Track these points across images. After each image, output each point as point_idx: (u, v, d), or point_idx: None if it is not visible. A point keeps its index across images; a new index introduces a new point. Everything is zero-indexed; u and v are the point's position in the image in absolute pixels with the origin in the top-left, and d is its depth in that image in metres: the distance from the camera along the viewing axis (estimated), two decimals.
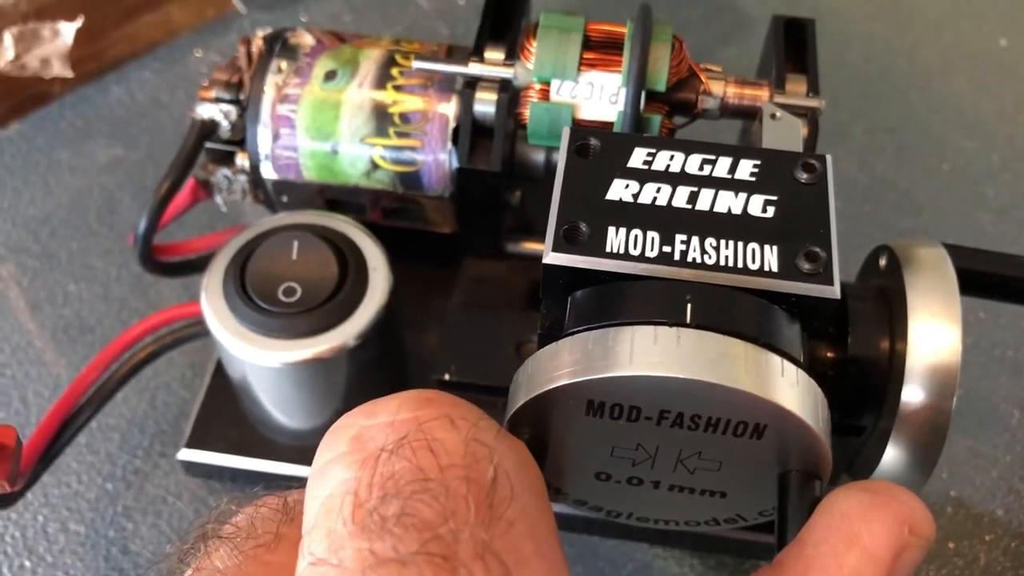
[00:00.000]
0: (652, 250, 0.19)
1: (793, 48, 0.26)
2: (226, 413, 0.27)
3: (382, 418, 0.16)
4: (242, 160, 0.28)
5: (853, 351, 0.23)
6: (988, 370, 0.31)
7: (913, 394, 0.22)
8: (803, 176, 0.20)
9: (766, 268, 0.19)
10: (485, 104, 0.25)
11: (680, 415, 0.18)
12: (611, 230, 0.19)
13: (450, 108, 0.26)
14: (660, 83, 0.24)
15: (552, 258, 0.19)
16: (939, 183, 0.36)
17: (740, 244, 0.19)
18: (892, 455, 0.23)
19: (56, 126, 0.37)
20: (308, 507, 0.15)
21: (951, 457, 0.29)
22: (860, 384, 0.23)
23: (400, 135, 0.26)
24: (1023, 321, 0.32)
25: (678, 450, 0.19)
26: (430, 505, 0.14)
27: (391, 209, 0.28)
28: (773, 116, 0.24)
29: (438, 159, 0.26)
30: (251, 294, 0.24)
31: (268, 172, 0.27)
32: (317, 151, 0.27)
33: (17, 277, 0.32)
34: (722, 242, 0.19)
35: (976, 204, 0.36)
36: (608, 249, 0.19)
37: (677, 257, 0.19)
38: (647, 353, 0.18)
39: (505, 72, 0.25)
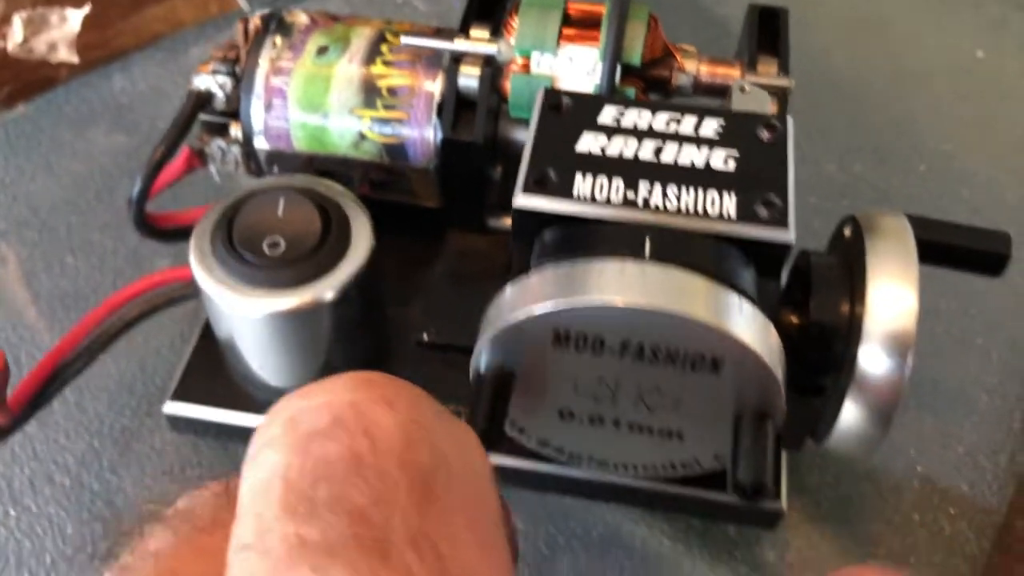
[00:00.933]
0: (617, 196, 0.20)
1: (766, 33, 0.28)
2: (212, 369, 0.28)
3: (318, 399, 0.15)
4: (236, 131, 0.29)
5: (815, 315, 0.24)
6: (958, 356, 0.32)
7: (869, 353, 0.23)
8: (765, 135, 0.21)
9: (725, 214, 0.20)
10: (469, 78, 0.27)
11: (641, 346, 0.19)
12: (578, 177, 0.20)
13: (436, 85, 0.27)
14: (635, 57, 0.25)
15: (521, 200, 0.20)
16: (916, 183, 0.37)
17: (701, 192, 0.20)
18: (849, 412, 0.23)
19: (60, 110, 0.38)
20: (241, 491, 0.15)
21: (919, 435, 0.30)
22: (822, 346, 0.24)
23: (387, 107, 0.27)
24: (992, 309, 0.33)
25: (638, 385, 0.20)
26: (362, 490, 0.14)
27: (379, 182, 0.29)
28: (742, 90, 0.25)
29: (423, 133, 0.27)
30: (237, 246, 0.25)
31: (260, 142, 0.28)
32: (308, 122, 0.28)
33: (16, 249, 0.33)
34: (684, 190, 0.20)
35: (951, 203, 0.37)
36: (575, 194, 0.20)
37: (640, 203, 0.20)
38: (613, 283, 0.19)
39: (489, 48, 0.27)
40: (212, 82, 0.28)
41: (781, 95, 0.26)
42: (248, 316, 0.25)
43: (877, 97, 0.40)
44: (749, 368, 0.19)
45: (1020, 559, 0.27)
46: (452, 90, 0.27)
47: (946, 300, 0.33)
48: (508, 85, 0.26)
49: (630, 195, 0.20)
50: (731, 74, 0.27)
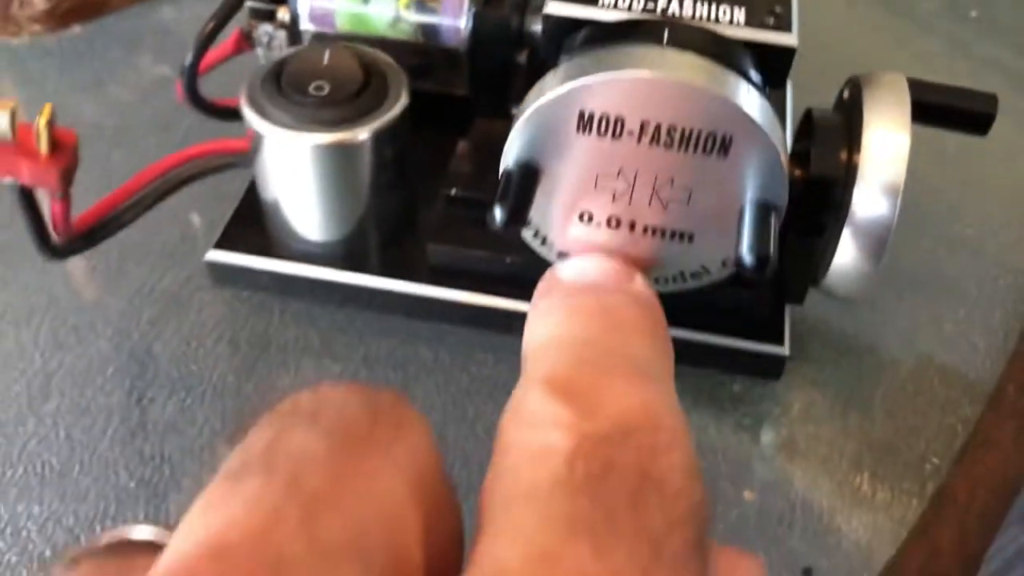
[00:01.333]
0: (638, 5, 0.22)
1: None
2: (255, 224, 0.30)
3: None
4: (283, 14, 0.31)
5: (815, 165, 0.26)
6: (951, 255, 0.34)
7: (864, 192, 0.25)
8: None
9: (736, 21, 0.22)
10: None
11: (658, 127, 0.21)
12: None
13: None
14: None
15: (553, 7, 0.23)
16: None
17: (714, 5, 0.22)
18: (845, 247, 0.25)
19: (111, 34, 0.41)
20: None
21: (915, 321, 0.31)
22: (823, 192, 0.26)
23: None
24: (984, 213, 0.35)
25: (653, 177, 0.22)
26: (647, 492, 0.14)
27: (413, 66, 0.31)
28: None
29: (456, 17, 0.30)
30: (285, 88, 0.27)
31: (305, 24, 0.31)
32: (350, 2, 0.30)
33: None
34: (699, 4, 0.22)
35: None
36: (601, 4, 0.22)
37: (659, 11, 0.22)
38: (634, 61, 0.21)
39: None
40: None
41: None
42: (294, 151, 0.27)
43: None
44: (756, 149, 0.21)
45: (1008, 416, 0.28)
46: None
47: (936, 205, 0.35)
48: None
49: (650, 5, 0.22)
50: None
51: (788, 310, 0.29)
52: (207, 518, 0.12)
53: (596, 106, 0.21)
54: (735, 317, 0.28)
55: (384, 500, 0.13)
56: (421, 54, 0.31)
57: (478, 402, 0.29)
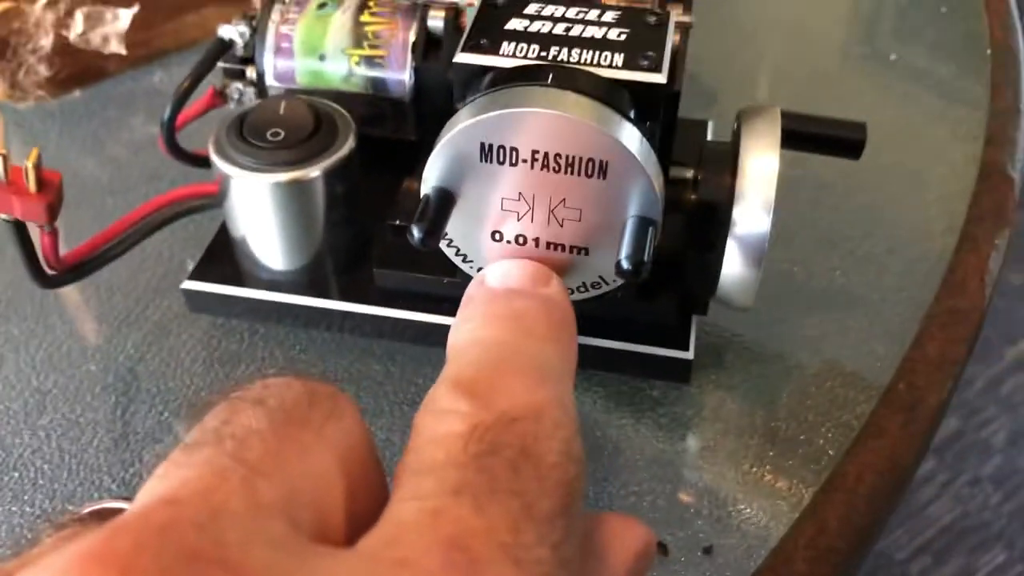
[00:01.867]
0: (532, 54, 0.26)
1: None
2: (226, 257, 0.34)
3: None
4: (251, 73, 0.35)
5: (702, 189, 0.29)
6: (860, 270, 0.37)
7: (742, 209, 0.28)
8: (651, 19, 0.28)
9: (614, 64, 0.26)
10: (436, 20, 0.33)
11: (546, 155, 0.25)
12: (504, 43, 0.27)
13: (411, 33, 0.34)
14: None
15: (460, 57, 0.27)
16: None
17: (598, 52, 0.26)
18: (730, 258, 0.29)
19: (108, 98, 0.45)
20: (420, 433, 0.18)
21: (823, 332, 0.35)
22: (711, 212, 0.29)
23: (372, 47, 0.34)
24: (892, 235, 0.38)
25: (549, 198, 0.26)
26: (522, 462, 0.17)
27: (366, 116, 0.35)
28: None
29: (400, 70, 0.34)
30: (246, 135, 0.31)
31: (271, 80, 0.35)
32: (308, 61, 0.34)
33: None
34: (584, 51, 0.26)
35: None
36: (500, 52, 0.26)
37: (550, 59, 0.26)
38: (523, 99, 0.25)
39: None
40: (234, 32, 0.35)
41: (683, 30, 0.33)
42: (255, 189, 0.31)
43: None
44: (629, 171, 0.25)
45: (898, 410, 0.32)
46: (422, 28, 0.33)
47: (851, 228, 0.38)
48: (466, 21, 0.33)
49: (543, 54, 0.26)
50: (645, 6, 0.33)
51: (695, 320, 0.32)
52: (164, 480, 0.15)
53: (493, 138, 0.25)
54: (646, 327, 0.32)
55: (314, 470, 0.16)
56: (372, 104, 0.35)
57: None
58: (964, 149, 0.41)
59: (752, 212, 0.28)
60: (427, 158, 0.26)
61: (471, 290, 0.24)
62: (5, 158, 0.25)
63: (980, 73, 0.46)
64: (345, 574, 0.14)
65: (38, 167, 0.26)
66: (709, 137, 0.39)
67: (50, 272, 0.30)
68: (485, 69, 0.26)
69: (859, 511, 0.29)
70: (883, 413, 0.32)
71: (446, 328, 0.34)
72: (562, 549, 0.16)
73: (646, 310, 0.31)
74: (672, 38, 0.28)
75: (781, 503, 0.30)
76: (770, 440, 0.31)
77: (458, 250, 0.28)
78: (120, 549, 0.13)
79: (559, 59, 0.26)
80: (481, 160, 0.25)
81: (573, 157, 0.25)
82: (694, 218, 0.30)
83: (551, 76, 0.25)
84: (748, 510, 0.30)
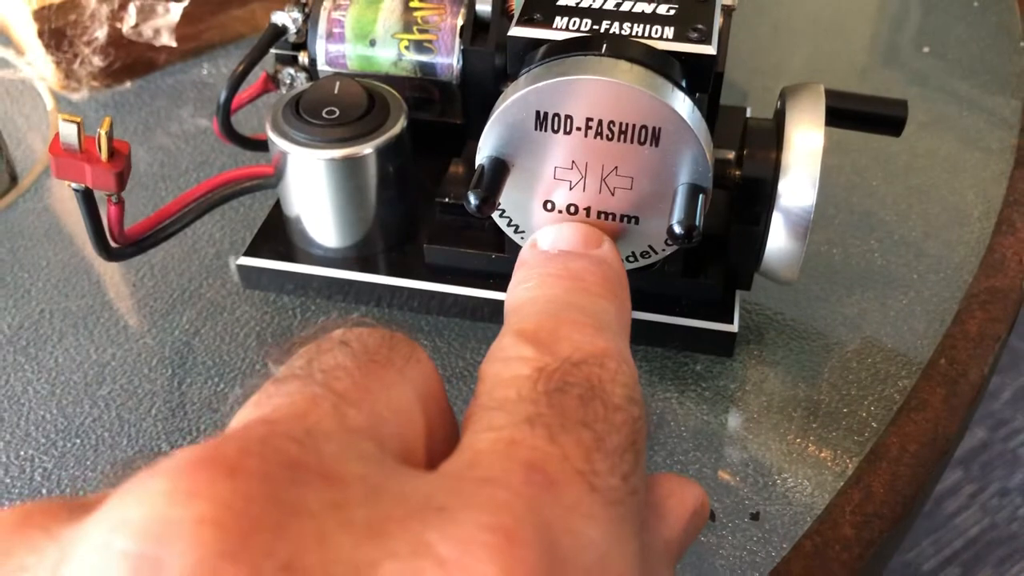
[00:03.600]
0: (584, 27, 0.27)
1: None
2: (279, 235, 0.35)
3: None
4: (303, 58, 0.36)
5: (747, 165, 0.30)
6: (897, 252, 0.37)
7: (787, 183, 0.29)
8: None
9: (664, 36, 0.27)
10: (484, 4, 0.34)
11: (599, 122, 0.26)
12: (558, 17, 0.28)
13: (459, 20, 0.35)
14: None
15: (514, 31, 0.27)
16: None
17: (648, 25, 0.27)
18: (775, 232, 0.29)
19: (158, 89, 0.46)
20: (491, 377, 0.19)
21: (862, 309, 0.35)
22: (755, 186, 0.30)
23: (421, 31, 0.35)
24: (928, 215, 0.39)
25: (600, 166, 0.27)
26: (593, 406, 0.18)
27: (415, 99, 0.36)
28: None
29: (449, 54, 0.35)
30: (302, 114, 0.32)
31: (322, 66, 0.36)
32: (359, 46, 0.35)
33: None
34: (635, 24, 0.27)
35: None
36: (554, 26, 0.27)
37: (602, 30, 0.27)
38: (578, 67, 0.25)
39: None
40: (287, 18, 0.36)
41: (727, 11, 0.33)
42: (310, 166, 0.32)
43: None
44: (681, 138, 0.25)
45: (939, 383, 0.32)
46: (471, 12, 0.34)
47: (889, 212, 0.39)
48: (513, 5, 0.34)
49: (595, 27, 0.27)
50: None
51: (739, 295, 0.33)
52: (257, 407, 0.16)
53: (548, 106, 0.26)
54: (692, 301, 0.32)
55: (397, 404, 0.17)
56: (421, 88, 0.36)
57: (472, 383, 0.33)
58: (1000, 136, 0.42)
59: (797, 185, 0.29)
60: (478, 136, 0.27)
61: (524, 254, 0.25)
62: (80, 126, 0.26)
63: (1014, 63, 0.46)
64: (432, 489, 0.15)
65: (110, 135, 0.27)
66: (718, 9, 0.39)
67: (113, 245, 0.31)
68: (539, 42, 0.27)
69: (904, 479, 0.29)
70: (925, 387, 0.32)
71: (493, 303, 0.35)
72: (631, 481, 0.17)
73: (692, 284, 0.32)
74: (720, 12, 0.28)
75: (826, 473, 0.30)
76: (813, 413, 0.32)
77: (510, 220, 0.28)
78: (227, 454, 0.14)
79: (611, 31, 0.27)
80: (536, 128, 0.26)
81: (626, 124, 0.25)
82: (740, 193, 0.30)
83: (605, 46, 0.26)
84: (793, 479, 0.30)
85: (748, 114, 0.40)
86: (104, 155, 0.27)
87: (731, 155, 0.31)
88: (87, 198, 0.29)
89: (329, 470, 0.14)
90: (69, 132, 0.26)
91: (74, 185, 0.28)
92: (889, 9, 0.54)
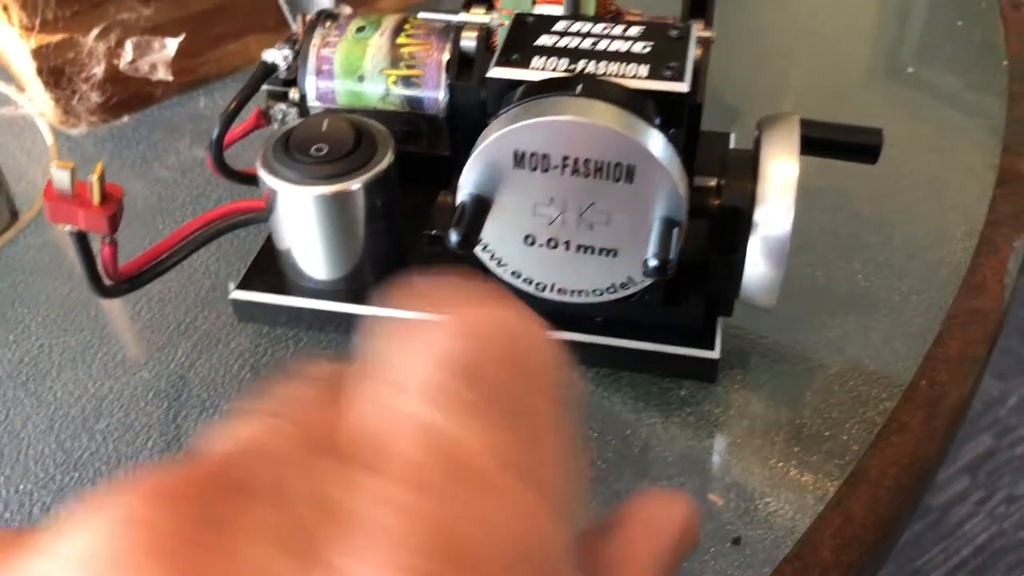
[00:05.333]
0: (560, 67, 0.28)
1: (698, 5, 0.36)
2: (271, 268, 0.36)
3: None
4: (294, 94, 0.37)
5: (725, 195, 0.31)
6: (879, 275, 0.38)
7: (763, 212, 0.30)
8: (674, 33, 0.29)
9: (639, 75, 0.28)
10: (469, 40, 0.35)
11: (576, 160, 0.26)
12: (535, 58, 0.28)
13: (445, 53, 0.36)
14: (590, 9, 0.33)
15: (494, 71, 0.28)
16: None
17: (623, 64, 0.28)
18: (752, 259, 0.30)
19: (156, 122, 0.47)
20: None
21: (845, 331, 0.36)
22: (733, 216, 0.31)
23: (408, 67, 0.36)
24: (910, 239, 0.39)
25: (579, 203, 0.27)
26: (518, 379, 0.17)
27: (403, 133, 0.37)
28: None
29: (435, 88, 0.36)
30: (292, 152, 0.33)
31: (313, 101, 0.37)
32: (348, 81, 0.36)
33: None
34: (611, 63, 0.28)
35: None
36: (531, 66, 0.28)
37: (578, 70, 0.28)
38: (554, 108, 0.26)
39: (483, 18, 0.35)
40: (278, 55, 0.37)
41: (705, 44, 0.34)
42: (300, 202, 0.32)
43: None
44: (654, 174, 0.26)
45: (920, 405, 0.33)
46: (456, 48, 0.35)
47: (872, 234, 0.40)
48: (497, 41, 0.35)
49: (572, 67, 0.28)
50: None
51: (721, 322, 0.34)
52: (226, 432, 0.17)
53: (526, 146, 0.26)
54: (674, 328, 0.33)
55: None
56: (409, 122, 0.37)
57: None
58: (982, 157, 0.43)
59: (774, 214, 0.29)
60: (461, 170, 0.28)
61: None
62: (72, 172, 0.27)
63: (997, 83, 0.47)
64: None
65: (102, 180, 0.27)
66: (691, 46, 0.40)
67: (108, 283, 0.31)
68: (517, 82, 0.28)
69: (883, 502, 0.30)
70: (905, 409, 0.33)
71: None
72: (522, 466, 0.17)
73: (673, 312, 0.33)
74: (693, 51, 0.29)
75: (807, 496, 0.31)
76: (795, 436, 0.32)
77: (493, 254, 0.29)
78: (174, 482, 0.15)
79: (587, 71, 0.28)
80: (515, 167, 0.27)
81: (601, 162, 0.26)
82: (718, 222, 0.31)
83: (579, 86, 0.27)
84: (775, 503, 0.31)
85: (732, 139, 0.41)
86: (96, 199, 0.28)
87: (712, 183, 0.32)
88: (81, 240, 0.29)
89: (274, 492, 0.15)
90: (62, 178, 0.27)
91: (68, 228, 0.29)
92: (875, 30, 0.55)
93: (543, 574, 0.16)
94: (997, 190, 0.41)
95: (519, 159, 0.27)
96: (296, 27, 0.38)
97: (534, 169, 0.27)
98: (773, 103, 0.49)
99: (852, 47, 0.53)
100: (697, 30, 0.34)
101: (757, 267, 0.30)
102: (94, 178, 0.27)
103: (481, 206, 0.28)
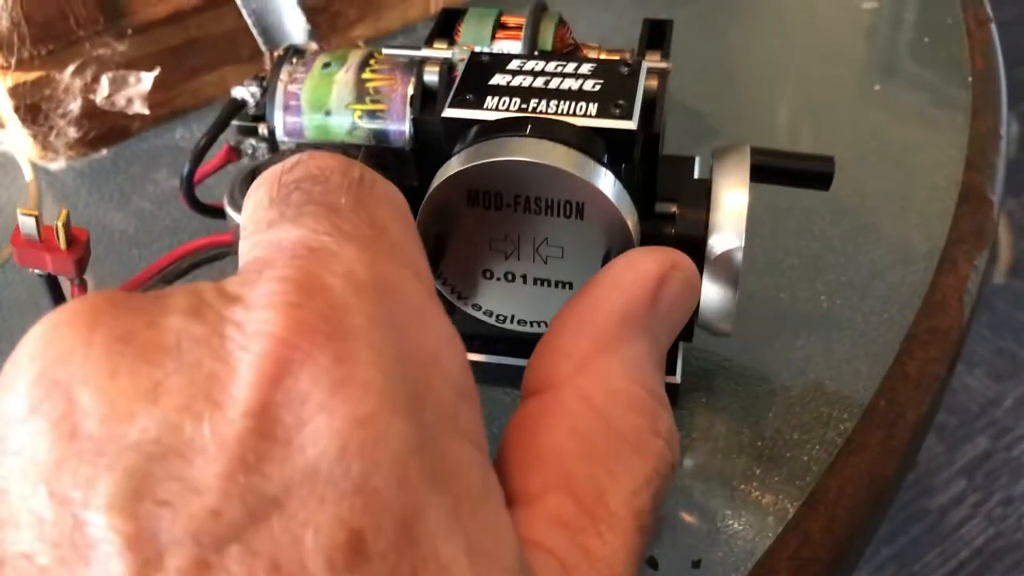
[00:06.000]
0: (513, 107, 0.29)
1: (655, 37, 0.36)
2: None
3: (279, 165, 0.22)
4: (263, 129, 0.38)
5: (679, 224, 0.31)
6: (843, 294, 0.39)
7: (717, 239, 0.30)
8: (624, 70, 0.30)
9: (588, 113, 0.28)
10: (432, 74, 0.36)
11: (527, 198, 0.27)
12: (488, 98, 0.29)
13: (409, 87, 0.37)
14: (547, 45, 0.34)
15: (448, 112, 0.29)
16: None
17: (573, 103, 0.29)
18: (708, 286, 0.31)
19: (133, 155, 0.48)
20: (243, 228, 0.21)
21: (808, 354, 0.36)
22: (688, 244, 0.31)
23: (373, 101, 0.37)
24: (872, 260, 0.40)
25: (532, 238, 0.28)
26: (318, 186, 0.20)
27: (371, 165, 0.38)
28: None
29: (400, 121, 0.37)
30: None
31: (281, 136, 0.38)
32: (315, 116, 0.37)
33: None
34: (561, 102, 0.29)
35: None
36: (485, 107, 0.29)
37: (530, 111, 0.28)
38: (505, 149, 0.27)
39: (446, 53, 0.36)
40: (246, 92, 0.38)
41: (661, 75, 0.35)
42: None
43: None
44: (604, 212, 0.27)
45: (878, 425, 0.33)
46: (419, 83, 0.36)
47: (836, 254, 0.40)
48: (458, 75, 0.35)
49: (523, 106, 0.29)
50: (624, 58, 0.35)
51: (683, 347, 0.34)
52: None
53: (479, 185, 0.27)
54: None
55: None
56: (376, 155, 0.38)
57: None
58: (945, 174, 0.43)
59: (725, 243, 0.30)
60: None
61: None
62: (38, 219, 0.28)
63: (961, 99, 0.47)
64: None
65: (67, 226, 0.28)
66: (696, 172, 0.41)
67: None
68: (472, 122, 0.29)
69: (841, 523, 0.31)
70: (864, 429, 0.33)
71: None
72: (377, 223, 0.20)
73: None
74: (643, 86, 0.30)
75: (767, 517, 0.31)
76: (757, 458, 0.33)
77: (453, 287, 0.30)
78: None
79: (538, 110, 0.28)
80: (469, 205, 0.28)
81: (552, 200, 0.27)
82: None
83: (529, 127, 0.27)
84: (736, 525, 0.31)
85: (696, 164, 0.41)
86: (63, 244, 0.28)
87: (673, 209, 0.32)
88: (51, 282, 0.30)
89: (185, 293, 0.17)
90: (28, 224, 0.28)
91: (37, 271, 0.29)
92: (844, 47, 0.55)
93: (408, 317, 0.18)
94: (959, 207, 0.41)
95: (472, 198, 0.27)
96: (266, 62, 0.39)
97: (487, 207, 0.27)
98: (747, 121, 0.50)
99: (822, 66, 0.54)
100: (652, 62, 0.35)
101: (712, 294, 0.31)
102: (59, 224, 0.28)
103: (438, 243, 0.28)
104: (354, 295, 0.17)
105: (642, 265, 0.24)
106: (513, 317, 0.30)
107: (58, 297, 0.31)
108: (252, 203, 0.21)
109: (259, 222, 0.20)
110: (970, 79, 0.49)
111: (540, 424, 0.21)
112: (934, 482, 1.37)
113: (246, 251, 0.20)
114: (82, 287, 0.31)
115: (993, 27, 0.52)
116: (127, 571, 0.14)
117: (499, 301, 0.30)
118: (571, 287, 0.29)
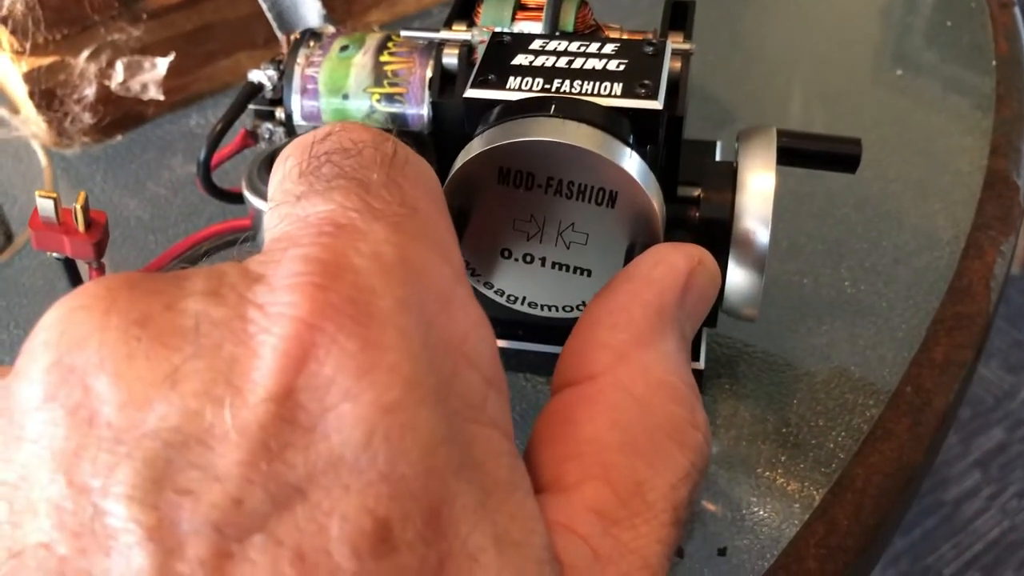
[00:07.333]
0: (536, 87, 0.28)
1: (678, 18, 0.36)
2: None
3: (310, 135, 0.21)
4: (280, 114, 0.38)
5: (703, 207, 0.31)
6: (867, 280, 0.38)
7: (742, 222, 0.30)
8: (648, 49, 0.29)
9: (612, 93, 0.28)
10: (451, 56, 0.35)
11: (559, 181, 0.27)
12: (511, 78, 0.29)
13: (428, 70, 0.36)
14: (569, 26, 0.34)
15: (470, 92, 0.28)
16: None
17: (597, 83, 0.28)
18: (733, 269, 0.30)
19: (148, 140, 0.48)
20: (271, 198, 0.20)
21: (832, 339, 0.36)
22: (712, 227, 0.31)
23: (392, 84, 0.36)
24: (897, 245, 0.39)
25: (558, 221, 0.27)
26: (349, 159, 0.19)
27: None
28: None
29: (418, 105, 0.36)
30: None
31: (298, 120, 0.37)
32: (333, 100, 0.37)
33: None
34: (585, 82, 0.28)
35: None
36: (507, 87, 0.28)
37: (553, 91, 0.28)
38: (530, 129, 0.26)
39: (465, 35, 0.35)
40: (263, 76, 0.37)
41: (684, 56, 0.34)
42: None
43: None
44: (636, 203, 0.26)
45: (905, 412, 0.33)
46: (438, 65, 0.35)
47: (859, 239, 0.40)
48: (478, 57, 0.35)
49: (547, 86, 0.28)
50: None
51: (707, 333, 0.34)
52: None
53: (512, 163, 0.27)
54: None
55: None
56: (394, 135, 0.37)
57: None
58: (969, 159, 0.43)
59: (752, 226, 0.30)
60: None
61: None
62: (56, 201, 0.27)
63: (985, 84, 0.47)
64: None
65: (86, 208, 0.28)
66: (718, 156, 0.40)
67: None
68: (495, 102, 0.28)
69: (868, 511, 0.30)
70: (890, 416, 0.33)
71: None
72: (409, 201, 0.19)
73: None
74: (668, 66, 0.29)
75: (793, 505, 0.31)
76: (782, 445, 0.33)
77: (468, 264, 0.29)
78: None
79: (562, 90, 0.28)
80: (499, 183, 0.27)
81: (585, 186, 0.26)
82: (699, 234, 0.31)
83: (553, 107, 0.27)
84: (761, 512, 0.31)
85: (718, 148, 0.41)
86: (81, 227, 0.28)
87: (695, 193, 0.32)
88: (69, 266, 0.30)
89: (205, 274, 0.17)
90: (46, 207, 0.27)
91: (55, 255, 0.29)
92: (867, 31, 0.55)
93: (437, 302, 0.18)
94: (984, 192, 0.41)
95: (504, 175, 0.27)
96: (282, 46, 0.38)
97: (517, 186, 0.27)
98: (768, 107, 0.49)
99: (844, 51, 0.53)
100: (675, 43, 0.34)
101: (737, 278, 0.30)
102: (77, 206, 0.28)
103: (460, 219, 0.28)
104: (381, 277, 0.17)
105: (671, 259, 0.24)
106: (525, 299, 0.30)
107: (76, 281, 0.30)
108: (281, 173, 0.20)
109: (287, 193, 0.19)
110: (994, 63, 0.48)
111: (578, 414, 0.20)
112: (949, 474, 1.36)
113: (272, 224, 0.19)
114: (100, 270, 0.30)
115: (1016, 11, 0.51)
116: (149, 562, 0.14)
117: (513, 282, 0.30)
118: (589, 274, 0.28)
